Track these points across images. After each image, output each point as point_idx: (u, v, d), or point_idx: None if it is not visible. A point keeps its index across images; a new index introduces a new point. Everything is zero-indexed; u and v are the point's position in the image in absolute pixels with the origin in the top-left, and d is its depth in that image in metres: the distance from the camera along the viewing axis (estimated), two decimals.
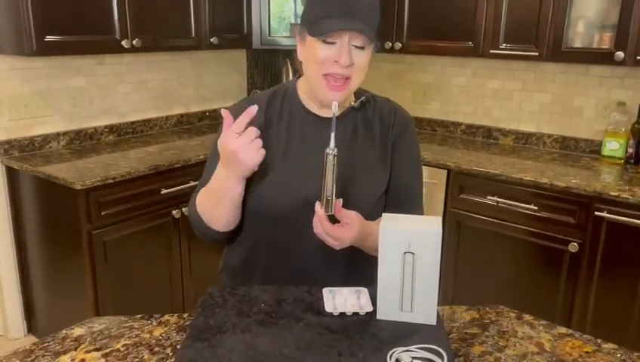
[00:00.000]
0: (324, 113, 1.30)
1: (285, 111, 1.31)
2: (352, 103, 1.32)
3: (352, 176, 1.28)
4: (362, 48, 1.18)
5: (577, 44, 2.52)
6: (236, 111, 1.31)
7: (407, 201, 1.33)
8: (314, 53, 1.18)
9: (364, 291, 1.18)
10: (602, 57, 2.44)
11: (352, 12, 1.15)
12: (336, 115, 1.26)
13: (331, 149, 1.09)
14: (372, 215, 1.25)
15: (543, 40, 2.54)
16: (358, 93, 1.34)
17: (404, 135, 1.34)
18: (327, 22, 1.15)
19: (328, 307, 1.12)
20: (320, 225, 1.12)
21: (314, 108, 1.30)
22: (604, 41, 2.44)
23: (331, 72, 1.18)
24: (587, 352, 1.05)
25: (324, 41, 1.17)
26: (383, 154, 1.32)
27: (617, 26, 2.36)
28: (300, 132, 1.29)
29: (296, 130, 1.29)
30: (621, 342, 1.12)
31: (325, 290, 1.18)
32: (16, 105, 2.55)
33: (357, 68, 1.19)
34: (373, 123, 1.33)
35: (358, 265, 1.32)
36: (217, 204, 1.23)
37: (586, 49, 2.49)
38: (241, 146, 1.10)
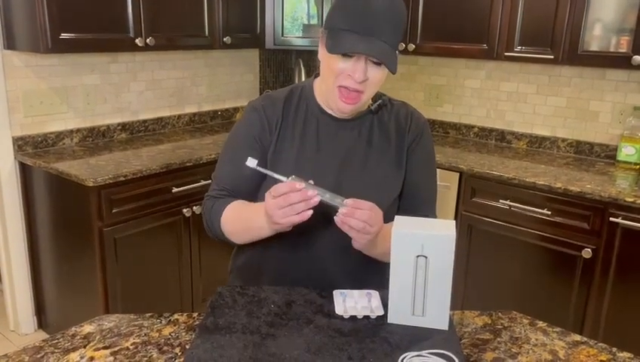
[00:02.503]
0: (339, 114, 1.29)
1: (301, 110, 1.30)
2: (369, 106, 1.31)
3: (366, 178, 1.27)
4: (379, 64, 1.17)
5: (594, 47, 2.48)
6: (254, 109, 1.30)
7: (421, 207, 1.32)
8: (331, 63, 1.18)
9: (375, 294, 1.17)
10: (619, 61, 2.41)
11: (373, 30, 1.12)
12: (349, 117, 1.26)
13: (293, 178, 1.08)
14: (388, 218, 1.24)
15: (558, 43, 2.51)
16: (375, 96, 1.33)
17: (420, 140, 1.33)
18: (346, 38, 1.13)
19: (339, 310, 1.11)
20: (350, 217, 1.09)
21: (328, 108, 1.30)
22: (622, 44, 2.41)
23: (344, 85, 1.18)
24: (602, 361, 1.03)
25: (342, 54, 1.16)
26: (398, 158, 1.31)
27: (635, 30, 2.32)
28: (315, 132, 1.28)
29: (311, 130, 1.28)
30: (634, 350, 1.10)
31: (336, 293, 1.17)
32: (30, 101, 2.56)
33: (370, 83, 1.19)
34: (389, 126, 1.32)
35: (368, 269, 1.30)
36: (246, 232, 1.24)
37: (603, 52, 2.46)
38: (274, 206, 1.08)
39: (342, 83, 1.18)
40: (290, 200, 1.05)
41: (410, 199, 1.32)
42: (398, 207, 1.33)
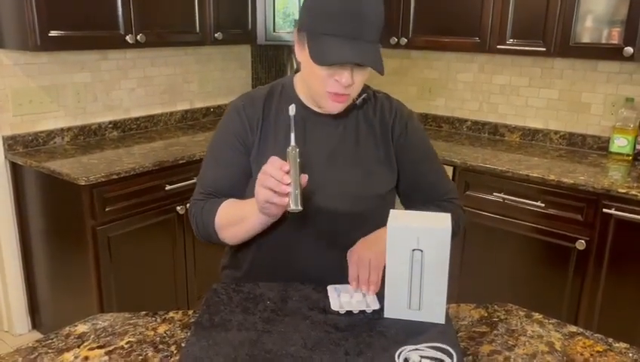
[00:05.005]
0: (323, 110, 1.29)
1: (283, 107, 1.29)
2: (354, 101, 1.30)
3: (353, 174, 1.27)
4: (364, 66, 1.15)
5: (586, 39, 2.49)
6: (234, 109, 1.30)
7: (435, 193, 1.34)
8: (315, 70, 1.15)
9: None
10: (611, 53, 2.41)
11: (356, 33, 1.10)
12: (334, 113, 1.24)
13: (292, 148, 1.06)
14: (378, 213, 1.23)
15: (550, 35, 2.51)
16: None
17: (407, 133, 1.33)
18: (332, 45, 1.10)
19: (334, 305, 1.11)
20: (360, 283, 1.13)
21: (312, 104, 1.29)
22: (613, 36, 2.41)
23: (332, 91, 1.16)
24: (598, 352, 1.03)
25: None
26: (386, 154, 1.31)
27: (626, 21, 2.33)
28: (299, 129, 1.27)
29: (295, 127, 1.27)
30: (628, 340, 1.10)
31: (330, 288, 1.17)
32: (20, 100, 2.54)
33: (357, 85, 1.18)
34: (374, 122, 1.32)
35: None
36: (238, 224, 1.21)
37: (595, 44, 2.46)
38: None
39: (329, 89, 1.16)
40: (268, 172, 1.04)
41: (421, 192, 1.33)
42: (411, 199, 1.35)
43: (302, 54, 1.20)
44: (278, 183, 1.02)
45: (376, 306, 1.10)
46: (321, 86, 1.17)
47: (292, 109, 1.09)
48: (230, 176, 1.28)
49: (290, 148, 1.06)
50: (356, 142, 1.29)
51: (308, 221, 1.19)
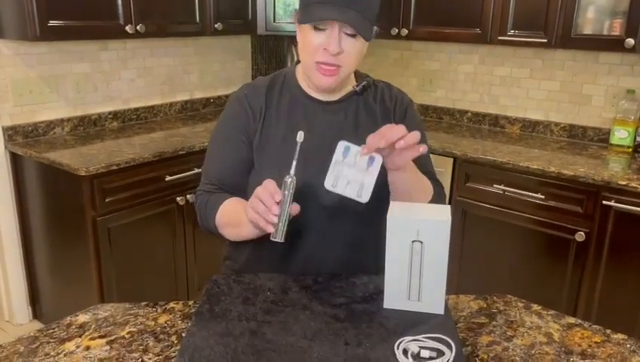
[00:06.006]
0: (324, 97, 1.29)
1: (285, 96, 1.30)
2: (354, 87, 1.31)
3: None
4: (354, 36, 1.17)
5: (587, 30, 2.48)
6: (237, 99, 1.30)
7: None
8: (306, 40, 1.19)
9: (372, 174, 1.07)
10: (612, 44, 2.41)
11: (348, 2, 1.13)
12: (334, 100, 1.27)
13: (289, 176, 1.05)
14: (378, 204, 1.23)
15: (552, 26, 2.50)
16: (360, 77, 1.33)
17: (405, 119, 1.33)
18: (319, 8, 1.14)
19: (328, 182, 1.05)
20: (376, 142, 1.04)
21: (314, 93, 1.29)
22: (615, 27, 2.40)
23: (321, 61, 1.18)
24: (596, 342, 1.04)
25: (315, 28, 1.16)
26: None
27: (628, 13, 2.32)
28: (301, 117, 1.28)
29: (297, 115, 1.28)
30: (626, 331, 1.11)
31: (339, 148, 1.08)
32: (20, 90, 2.53)
33: (347, 56, 1.18)
34: (375, 109, 1.32)
35: (359, 256, 1.30)
36: (235, 227, 1.22)
37: (596, 36, 2.45)
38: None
39: (318, 59, 1.18)
40: (259, 197, 1.04)
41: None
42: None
43: (298, 34, 1.23)
44: (267, 210, 1.03)
45: (366, 198, 1.05)
46: (312, 57, 1.19)
47: (300, 136, 1.07)
48: (233, 166, 1.29)
49: (287, 177, 1.05)
50: (357, 129, 1.29)
51: (307, 212, 1.19)
